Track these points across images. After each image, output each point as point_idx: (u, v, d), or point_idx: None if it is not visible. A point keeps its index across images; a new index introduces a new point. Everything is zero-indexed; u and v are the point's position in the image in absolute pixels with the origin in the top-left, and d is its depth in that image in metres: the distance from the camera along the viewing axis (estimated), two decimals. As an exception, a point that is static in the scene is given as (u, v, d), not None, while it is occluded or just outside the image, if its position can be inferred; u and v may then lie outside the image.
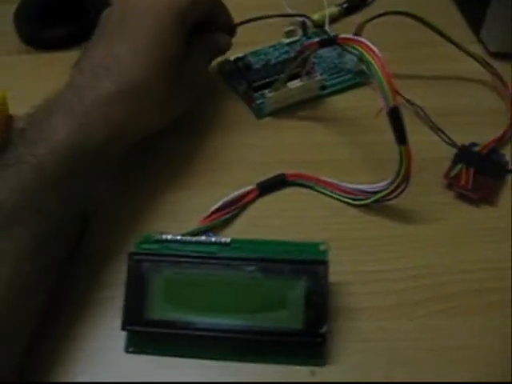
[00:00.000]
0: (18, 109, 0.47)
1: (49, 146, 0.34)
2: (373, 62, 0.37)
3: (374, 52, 0.37)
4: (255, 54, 0.51)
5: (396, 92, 0.37)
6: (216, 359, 0.34)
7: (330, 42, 0.40)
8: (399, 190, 0.38)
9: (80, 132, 0.35)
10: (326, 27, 0.53)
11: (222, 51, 0.48)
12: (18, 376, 0.32)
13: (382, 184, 0.39)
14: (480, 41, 0.52)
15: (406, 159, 0.37)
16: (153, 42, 0.39)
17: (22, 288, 0.32)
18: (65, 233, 0.35)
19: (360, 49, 0.37)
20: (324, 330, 0.33)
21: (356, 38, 0.38)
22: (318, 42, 0.41)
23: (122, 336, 0.35)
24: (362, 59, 0.46)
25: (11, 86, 0.48)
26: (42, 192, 0.33)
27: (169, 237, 0.36)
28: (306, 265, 0.34)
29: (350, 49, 0.39)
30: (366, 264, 0.38)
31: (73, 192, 0.35)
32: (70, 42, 0.54)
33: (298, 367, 0.34)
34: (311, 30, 0.53)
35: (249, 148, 0.45)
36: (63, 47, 0.54)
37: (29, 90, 0.47)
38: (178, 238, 0.36)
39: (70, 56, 0.52)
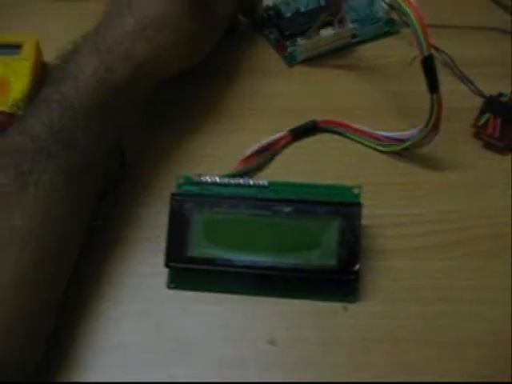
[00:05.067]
0: (52, 56, 0.48)
1: (75, 83, 0.35)
2: (409, 11, 0.37)
3: (410, 2, 0.37)
4: (284, 2, 0.51)
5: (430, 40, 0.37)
6: (253, 295, 0.36)
7: (365, -10, 0.41)
8: (429, 137, 0.39)
9: (104, 68, 0.36)
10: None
11: (254, 2, 0.48)
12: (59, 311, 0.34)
13: (413, 131, 0.40)
14: (510, -9, 0.52)
15: (437, 107, 0.38)
16: None
17: (57, 215, 0.33)
18: (98, 167, 0.37)
19: (396, -2, 0.38)
20: (357, 267, 0.35)
21: (392, -14, 0.39)
22: (352, -12, 0.42)
23: (161, 273, 0.37)
24: (394, 8, 0.47)
25: (44, 34, 0.48)
26: (71, 127, 0.34)
27: (208, 179, 0.37)
28: (340, 206, 0.35)
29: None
30: (396, 208, 0.39)
31: (103, 127, 0.36)
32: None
33: (331, 303, 0.36)
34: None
35: (280, 95, 0.46)
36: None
37: (61, 38, 0.48)
38: (218, 180, 0.37)
39: (103, 4, 0.52)
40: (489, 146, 0.42)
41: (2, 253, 0.31)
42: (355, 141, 0.43)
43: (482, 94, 0.44)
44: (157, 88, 0.41)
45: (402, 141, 0.41)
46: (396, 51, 0.48)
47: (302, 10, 0.51)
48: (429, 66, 0.37)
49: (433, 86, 0.38)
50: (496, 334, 0.34)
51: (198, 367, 0.34)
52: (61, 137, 0.34)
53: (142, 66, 0.38)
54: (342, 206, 0.35)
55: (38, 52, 0.48)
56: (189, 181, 0.37)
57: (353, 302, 0.36)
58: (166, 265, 0.36)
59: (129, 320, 0.36)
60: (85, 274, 0.37)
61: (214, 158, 0.42)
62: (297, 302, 0.36)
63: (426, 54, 0.37)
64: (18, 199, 0.31)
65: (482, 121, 0.42)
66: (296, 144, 0.43)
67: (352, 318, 0.35)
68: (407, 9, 0.38)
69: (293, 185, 0.37)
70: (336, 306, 0.36)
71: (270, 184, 0.37)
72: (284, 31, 0.48)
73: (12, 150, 0.33)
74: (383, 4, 0.49)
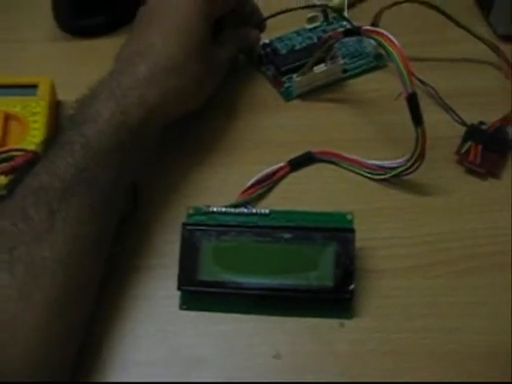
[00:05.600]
0: (63, 94, 0.52)
1: (95, 126, 0.39)
2: (394, 53, 0.41)
3: (394, 44, 0.41)
4: (280, 39, 0.55)
5: (413, 78, 0.41)
6: (258, 314, 0.40)
7: (355, 32, 0.45)
8: (415, 165, 0.43)
9: (120, 112, 0.40)
10: (345, 13, 0.57)
11: (252, 44, 0.52)
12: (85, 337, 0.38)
13: (400, 160, 0.44)
14: (489, 24, 0.56)
15: (421, 139, 0.42)
16: (180, 30, 0.44)
17: (82, 248, 0.36)
18: (116, 206, 0.40)
19: (382, 41, 0.42)
20: (352, 287, 0.38)
21: (378, 30, 0.43)
22: (343, 32, 0.46)
23: (174, 296, 0.40)
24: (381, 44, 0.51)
25: (54, 72, 0.52)
26: (93, 168, 0.38)
27: (215, 209, 0.41)
28: (335, 232, 0.39)
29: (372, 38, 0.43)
30: (387, 231, 0.43)
31: (120, 168, 0.39)
32: (107, 29, 0.58)
33: (329, 320, 0.39)
34: (331, 15, 0.57)
35: (278, 128, 0.49)
36: (100, 34, 0.58)
37: (71, 76, 0.52)
38: (223, 210, 0.41)
39: (108, 42, 0.57)
40: (471, 172, 0.46)
41: (35, 280, 0.34)
42: (348, 170, 0.46)
43: (464, 123, 0.48)
44: (165, 127, 0.44)
45: (391, 169, 0.44)
46: (384, 84, 0.51)
47: (297, 47, 0.54)
48: (413, 103, 0.41)
49: (417, 119, 0.41)
50: (478, 346, 0.38)
51: (210, 380, 0.38)
52: (84, 176, 0.37)
53: (153, 110, 0.41)
54: (337, 232, 0.39)
55: (53, 91, 0.51)
56: (198, 211, 0.41)
57: (349, 318, 0.39)
58: (179, 288, 0.39)
59: (146, 339, 0.39)
60: (105, 299, 0.40)
61: (219, 188, 0.45)
62: (298, 319, 0.39)
63: (410, 91, 0.41)
64: (48, 234, 0.35)
65: (465, 148, 0.46)
66: (294, 174, 0.46)
67: (348, 332, 0.39)
68: (391, 49, 0.42)
69: (292, 212, 0.41)
70: (333, 322, 0.39)
71: (271, 212, 0.41)
72: (280, 67, 0.52)
73: (41, 188, 0.36)
74: (371, 40, 0.53)
